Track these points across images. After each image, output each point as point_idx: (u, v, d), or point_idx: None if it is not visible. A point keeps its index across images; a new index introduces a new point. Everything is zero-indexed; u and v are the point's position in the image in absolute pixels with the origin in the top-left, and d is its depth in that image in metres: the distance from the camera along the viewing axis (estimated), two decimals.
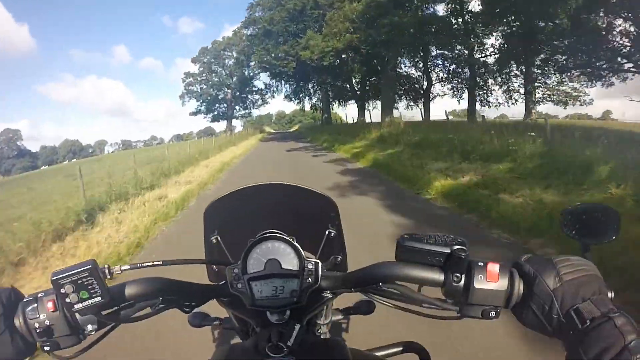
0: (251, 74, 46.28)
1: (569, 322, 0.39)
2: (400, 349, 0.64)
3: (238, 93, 46.99)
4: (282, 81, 29.16)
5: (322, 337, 0.66)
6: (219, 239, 0.65)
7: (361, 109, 25.37)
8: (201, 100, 47.75)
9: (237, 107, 48.26)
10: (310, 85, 28.21)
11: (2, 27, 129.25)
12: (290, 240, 0.55)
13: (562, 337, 0.41)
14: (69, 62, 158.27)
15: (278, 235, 0.56)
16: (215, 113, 48.18)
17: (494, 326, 1.83)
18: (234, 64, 44.96)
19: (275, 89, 35.52)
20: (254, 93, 48.22)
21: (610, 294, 0.41)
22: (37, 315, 0.44)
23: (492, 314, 0.45)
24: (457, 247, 0.45)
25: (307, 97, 30.07)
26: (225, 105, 48.14)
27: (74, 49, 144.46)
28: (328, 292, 0.58)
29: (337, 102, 28.67)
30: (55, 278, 0.42)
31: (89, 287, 0.43)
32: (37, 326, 0.44)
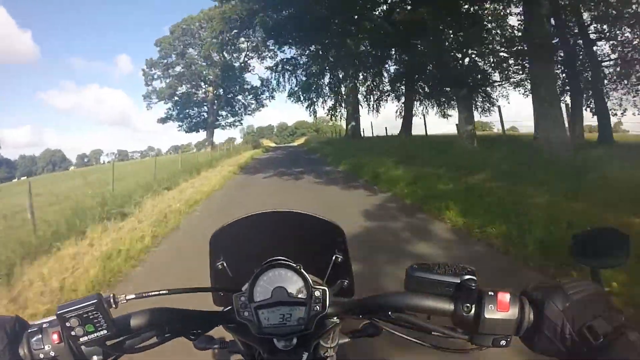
0: (242, 64, 33.41)
1: (583, 340, 0.40)
2: None
3: (223, 92, 34.57)
4: (287, 74, 18.27)
5: None
6: (225, 265, 0.66)
7: (407, 113, 16.54)
8: (172, 102, 34.66)
9: (222, 113, 36.14)
10: (327, 79, 17.07)
11: (5, 32, 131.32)
12: (297, 267, 0.56)
13: (577, 357, 0.41)
14: (70, 70, 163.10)
15: (285, 262, 0.56)
16: (192, 121, 35.50)
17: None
18: (215, 45, 28.22)
19: (275, 86, 20.42)
20: (246, 92, 35.13)
21: (620, 313, 0.42)
22: (42, 346, 0.45)
23: (503, 342, 0.46)
24: (466, 277, 0.47)
25: (321, 97, 18.22)
26: (205, 109, 35.48)
27: (76, 56, 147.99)
28: (335, 317, 0.59)
29: (369, 101, 18.63)
30: (60, 312, 0.44)
31: (95, 320, 0.44)
32: (42, 357, 0.45)
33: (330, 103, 18.53)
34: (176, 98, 35.42)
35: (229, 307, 0.58)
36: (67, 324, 0.44)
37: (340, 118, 19.48)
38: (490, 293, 0.46)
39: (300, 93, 17.78)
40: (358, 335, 0.67)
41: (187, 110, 36.09)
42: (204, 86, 35.89)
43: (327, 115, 19.07)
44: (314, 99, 18.19)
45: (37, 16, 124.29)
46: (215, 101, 35.64)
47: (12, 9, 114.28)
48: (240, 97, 36.18)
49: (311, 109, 18.30)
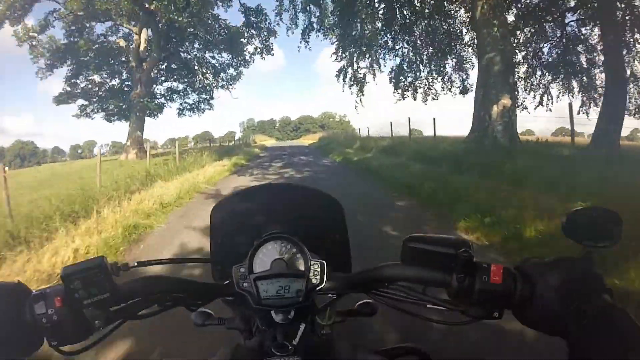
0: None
1: (571, 319, 0.43)
2: (402, 352, 0.67)
3: (164, 42, 19.29)
4: None
5: (324, 337, 0.70)
6: (225, 238, 0.69)
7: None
8: (72, 67, 19.31)
9: (160, 88, 21.75)
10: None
11: None
12: (296, 240, 0.59)
13: (565, 335, 0.44)
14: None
15: (284, 235, 0.59)
16: (109, 105, 20.42)
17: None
18: None
19: (265, 34, 14.06)
20: (219, 39, 19.61)
21: (610, 294, 0.44)
22: (45, 311, 0.47)
23: (496, 314, 0.49)
24: (461, 248, 0.49)
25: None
26: (129, 84, 20.67)
27: None
28: (332, 292, 0.62)
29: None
30: (65, 273, 0.46)
31: (98, 283, 0.47)
32: (44, 321, 0.47)
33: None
34: (80, 63, 18.98)
35: (228, 281, 0.61)
36: (71, 286, 0.46)
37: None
38: (484, 265, 0.48)
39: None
40: (354, 314, 0.70)
41: (94, 77, 20.09)
42: (124, 26, 18.76)
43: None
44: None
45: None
46: (148, 58, 18.94)
47: None
48: (195, 65, 20.78)
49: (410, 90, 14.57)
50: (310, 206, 0.71)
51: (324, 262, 0.58)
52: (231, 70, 22.42)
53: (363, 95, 14.86)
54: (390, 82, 15.26)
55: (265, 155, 18.89)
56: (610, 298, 0.44)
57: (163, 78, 23.18)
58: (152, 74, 20.43)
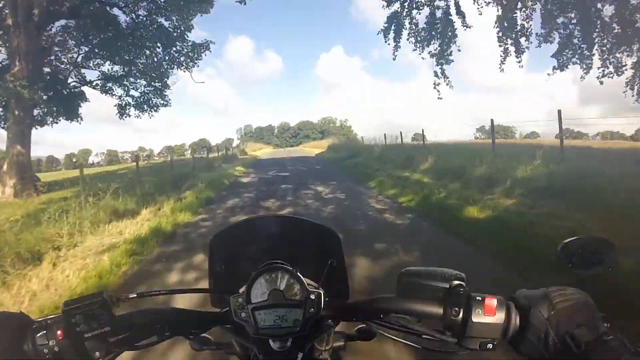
0: None
1: (565, 347, 0.45)
2: None
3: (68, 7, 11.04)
4: None
5: None
6: (223, 267, 0.71)
7: None
8: None
9: (71, 79, 13.86)
10: None
11: None
12: (294, 271, 0.61)
13: None
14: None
15: (281, 265, 0.61)
16: None
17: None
18: None
19: None
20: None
21: (605, 324, 0.46)
22: (47, 342, 0.50)
23: (490, 346, 0.51)
24: (456, 282, 0.52)
25: None
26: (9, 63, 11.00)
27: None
28: (330, 320, 0.64)
29: None
30: (67, 308, 0.49)
31: (98, 317, 0.50)
32: (46, 352, 0.50)
33: None
34: None
35: (226, 309, 0.63)
36: (72, 320, 0.49)
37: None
38: (478, 298, 0.51)
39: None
40: (352, 339, 0.72)
41: None
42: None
43: None
44: None
45: None
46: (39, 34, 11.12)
47: None
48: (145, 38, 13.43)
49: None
50: (308, 237, 0.74)
51: (321, 291, 0.60)
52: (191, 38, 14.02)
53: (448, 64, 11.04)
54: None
55: (250, 180, 11.54)
56: (605, 326, 0.46)
57: (82, 53, 14.04)
58: (45, 36, 12.22)
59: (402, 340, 0.59)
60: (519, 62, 11.37)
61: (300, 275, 0.61)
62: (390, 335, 0.59)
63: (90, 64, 14.47)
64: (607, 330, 0.45)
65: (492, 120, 9.53)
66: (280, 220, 0.73)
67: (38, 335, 0.50)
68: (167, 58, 14.34)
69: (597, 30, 10.23)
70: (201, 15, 13.63)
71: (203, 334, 0.66)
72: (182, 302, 2.03)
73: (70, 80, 14.34)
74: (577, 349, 0.44)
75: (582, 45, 10.50)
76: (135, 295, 0.57)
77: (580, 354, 0.43)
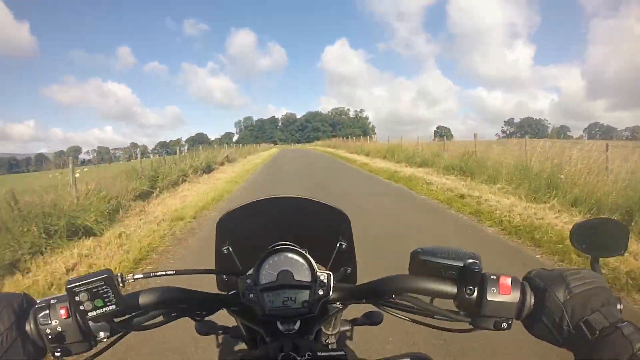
0: None
1: (579, 333, 0.47)
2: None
3: None
4: None
5: (330, 347, 0.74)
6: (231, 249, 0.74)
7: None
8: None
9: None
10: None
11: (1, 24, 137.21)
12: (303, 252, 0.64)
13: (573, 348, 0.48)
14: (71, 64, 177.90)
15: (291, 247, 0.64)
16: None
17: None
18: None
19: None
20: None
21: (619, 305, 0.49)
22: (49, 322, 0.52)
23: (504, 325, 0.53)
24: (470, 260, 0.54)
25: None
26: None
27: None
28: (338, 303, 0.67)
29: None
30: (70, 286, 0.50)
31: (104, 295, 0.51)
32: (48, 332, 0.52)
33: None
34: None
35: (234, 291, 0.66)
36: (76, 298, 0.50)
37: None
38: (492, 277, 0.53)
39: None
40: (360, 323, 0.75)
41: None
42: None
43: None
44: None
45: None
46: None
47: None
48: None
49: None
50: (317, 218, 0.76)
51: (330, 273, 0.63)
52: None
53: None
54: None
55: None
56: (618, 310, 0.48)
57: None
58: None
59: (414, 321, 0.61)
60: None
61: (309, 257, 0.64)
62: (401, 317, 0.62)
63: None
64: (621, 317, 0.47)
65: None
66: (288, 201, 0.74)
67: (41, 315, 0.52)
68: None
69: None
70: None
71: (208, 319, 0.70)
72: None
73: None
74: (591, 336, 0.46)
75: None
76: (142, 276, 0.59)
77: (594, 341, 0.45)
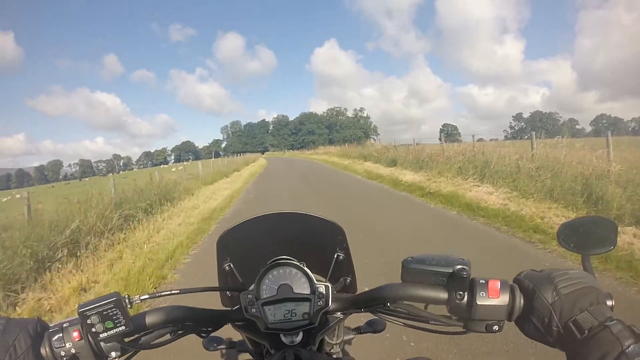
0: None
1: (568, 333, 0.51)
2: None
3: None
4: None
5: (334, 356, 0.80)
6: (232, 266, 0.80)
7: None
8: None
9: None
10: None
11: None
12: (301, 265, 0.69)
13: (563, 348, 0.52)
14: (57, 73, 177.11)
15: (289, 261, 0.70)
16: None
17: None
18: None
19: None
20: None
21: (610, 302, 0.53)
22: (63, 344, 0.57)
23: (496, 327, 0.58)
24: (459, 266, 0.59)
25: None
26: None
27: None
28: (339, 312, 0.72)
29: None
30: (82, 310, 0.55)
31: (114, 317, 0.56)
32: (63, 354, 0.57)
33: None
34: None
35: (237, 306, 0.71)
36: (88, 321, 0.55)
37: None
38: (481, 281, 0.58)
39: None
40: (362, 332, 0.80)
41: None
42: None
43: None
44: None
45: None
46: None
47: None
48: None
49: None
50: (314, 231, 0.82)
51: (328, 284, 0.69)
52: None
53: None
54: None
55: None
56: (609, 307, 0.52)
57: None
58: None
59: (410, 326, 0.66)
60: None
61: (307, 269, 0.69)
62: (398, 323, 0.67)
63: None
64: (610, 315, 0.49)
65: None
66: (285, 216, 0.79)
67: (55, 338, 0.57)
68: None
69: None
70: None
71: (214, 334, 0.75)
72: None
73: None
74: (580, 335, 0.49)
75: None
76: (148, 296, 0.65)
77: (583, 340, 0.48)
